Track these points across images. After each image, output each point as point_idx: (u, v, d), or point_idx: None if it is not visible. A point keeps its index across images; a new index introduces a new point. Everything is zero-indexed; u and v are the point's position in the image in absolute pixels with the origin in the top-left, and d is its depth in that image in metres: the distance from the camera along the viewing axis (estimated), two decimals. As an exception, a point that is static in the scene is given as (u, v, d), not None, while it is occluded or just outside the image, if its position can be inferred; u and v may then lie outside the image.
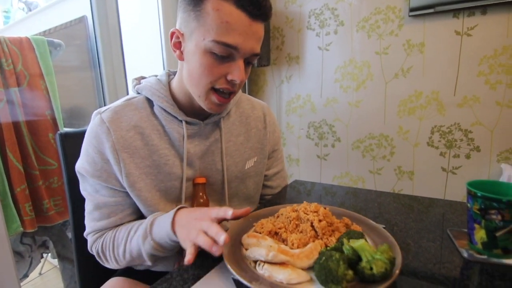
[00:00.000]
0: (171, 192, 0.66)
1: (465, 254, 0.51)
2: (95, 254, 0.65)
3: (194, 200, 0.70)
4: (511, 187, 0.54)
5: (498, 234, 0.49)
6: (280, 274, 0.43)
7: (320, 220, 0.53)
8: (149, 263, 0.60)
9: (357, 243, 0.42)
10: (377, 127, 1.60)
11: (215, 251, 0.47)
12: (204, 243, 0.48)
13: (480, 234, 0.51)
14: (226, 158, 0.72)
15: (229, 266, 0.45)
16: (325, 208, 0.57)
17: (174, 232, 0.54)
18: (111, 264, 0.65)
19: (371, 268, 0.39)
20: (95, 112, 0.64)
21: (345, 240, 0.44)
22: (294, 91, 1.85)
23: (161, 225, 0.56)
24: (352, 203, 0.79)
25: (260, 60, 1.74)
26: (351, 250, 0.43)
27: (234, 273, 0.44)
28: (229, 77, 0.57)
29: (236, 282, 0.45)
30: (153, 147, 0.64)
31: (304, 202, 0.58)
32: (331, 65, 1.71)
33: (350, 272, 0.40)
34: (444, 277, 0.46)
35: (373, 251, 0.41)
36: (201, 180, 0.70)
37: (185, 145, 0.65)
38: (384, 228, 0.56)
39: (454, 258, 0.51)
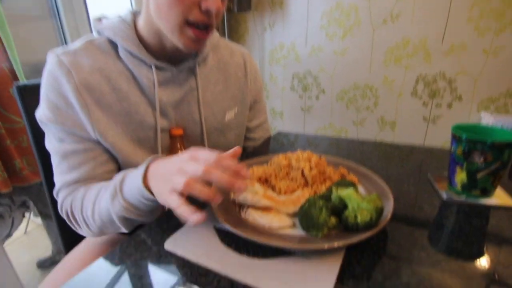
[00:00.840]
0: (146, 143, 0.62)
1: (444, 196, 0.52)
2: (64, 216, 0.57)
3: (171, 153, 0.67)
4: (494, 130, 0.53)
5: (479, 175, 0.49)
6: (262, 218, 0.43)
7: (311, 168, 0.52)
8: (124, 229, 0.51)
9: (344, 192, 0.41)
10: (362, 77, 1.56)
11: (218, 199, 0.38)
12: (201, 191, 0.37)
13: (460, 177, 0.51)
14: (203, 109, 0.67)
15: (214, 211, 0.44)
16: (320, 157, 0.55)
17: (148, 187, 0.43)
18: (83, 230, 0.56)
19: (356, 217, 0.38)
20: (50, 53, 0.56)
21: (334, 189, 0.43)
22: (277, 40, 1.74)
23: (133, 181, 0.46)
24: (335, 153, 0.78)
25: (240, 4, 1.59)
26: (338, 199, 0.42)
27: (218, 218, 0.42)
28: (203, 5, 0.50)
29: (218, 230, 0.44)
30: (122, 93, 0.58)
31: (298, 150, 0.55)
32: (316, 10, 1.59)
33: (333, 220, 0.39)
34: (423, 218, 0.47)
35: (360, 200, 0.39)
36: (178, 131, 0.66)
37: (157, 93, 0.59)
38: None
39: (433, 200, 0.52)
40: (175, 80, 0.63)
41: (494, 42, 1.25)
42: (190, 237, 0.43)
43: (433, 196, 0.53)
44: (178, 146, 0.67)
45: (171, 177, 0.39)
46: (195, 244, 0.41)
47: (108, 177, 0.59)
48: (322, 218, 0.38)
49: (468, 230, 0.43)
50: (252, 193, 0.47)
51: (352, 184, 0.47)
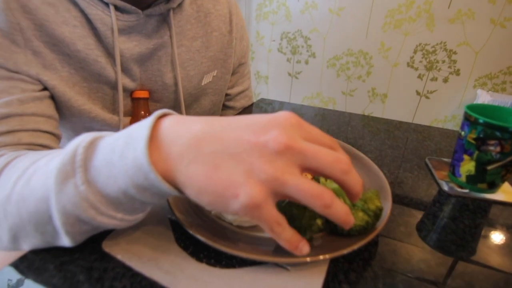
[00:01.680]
0: (101, 101, 0.50)
1: (446, 187, 0.45)
2: None
3: (133, 120, 0.55)
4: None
5: (489, 167, 0.42)
6: (230, 215, 0.34)
7: None
8: (65, 239, 0.27)
9: (334, 184, 0.32)
10: (357, 41, 1.43)
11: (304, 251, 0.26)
12: (342, 209, 0.23)
13: (467, 167, 0.44)
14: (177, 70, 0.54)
15: (169, 203, 0.34)
16: None
17: (162, 169, 0.23)
18: None
19: None
20: None
21: (321, 179, 0.34)
22: (267, -9, 1.54)
23: (120, 151, 0.23)
24: (323, 126, 0.69)
25: None
26: None
27: (172, 209, 0.33)
28: None
29: (174, 225, 0.35)
30: (74, 30, 0.44)
31: None
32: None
33: (319, 222, 0.30)
34: (421, 211, 0.39)
35: None
36: (143, 94, 0.55)
37: (116, 42, 0.46)
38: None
39: (432, 191, 0.45)
40: (141, 29, 0.49)
41: (505, 11, 1.14)
42: (136, 234, 0.34)
43: (432, 186, 0.46)
44: (142, 112, 0.56)
45: (267, 160, 0.21)
46: (143, 244, 0.32)
47: (47, 128, 0.41)
48: (305, 221, 0.30)
49: (477, 230, 0.36)
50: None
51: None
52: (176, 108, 0.58)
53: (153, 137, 0.23)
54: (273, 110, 0.77)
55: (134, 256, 0.31)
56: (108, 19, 0.45)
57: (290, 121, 0.23)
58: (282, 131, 0.22)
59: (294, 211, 0.30)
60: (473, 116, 0.41)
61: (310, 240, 0.31)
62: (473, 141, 0.42)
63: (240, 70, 0.71)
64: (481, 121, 0.40)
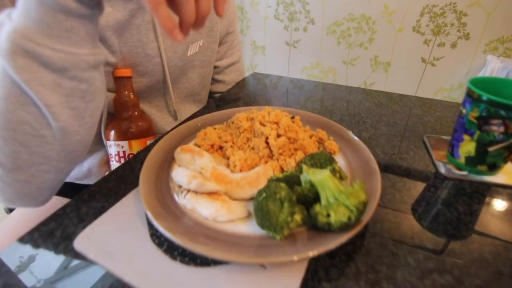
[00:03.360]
0: None
1: (442, 169, 0.42)
2: None
3: (116, 98, 0.52)
4: (522, 87, 0.40)
5: (491, 149, 0.38)
6: (205, 208, 0.32)
7: (278, 135, 0.39)
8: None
9: (317, 176, 0.29)
10: (359, 5, 1.32)
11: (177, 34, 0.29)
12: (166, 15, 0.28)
13: (467, 148, 0.40)
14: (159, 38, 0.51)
15: (141, 194, 0.32)
16: (292, 118, 0.43)
17: None
18: None
19: (329, 215, 0.27)
20: None
21: (305, 167, 0.31)
22: (261, -49, 1.41)
23: None
24: (318, 99, 0.65)
25: None
26: (309, 184, 0.30)
27: (143, 202, 0.31)
28: None
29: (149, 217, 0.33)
30: None
31: (266, 107, 0.42)
32: None
33: (298, 218, 0.28)
34: (415, 196, 0.37)
35: (338, 190, 0.28)
36: (125, 72, 0.51)
37: None
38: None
39: (428, 174, 0.42)
40: None
41: (523, -35, 1.03)
42: (110, 229, 0.32)
43: (429, 168, 0.43)
44: (126, 92, 0.52)
45: None
46: (116, 241, 0.31)
47: None
48: (283, 217, 0.28)
49: (474, 215, 0.34)
50: (195, 170, 0.35)
51: (330, 160, 0.35)
52: (163, 81, 0.56)
53: None
54: (271, 84, 0.73)
55: (106, 255, 0.29)
56: None
57: None
58: None
59: (271, 207, 0.28)
60: (476, 92, 0.37)
61: (290, 233, 0.29)
62: (474, 120, 0.38)
63: (228, 40, 0.67)
64: (484, 98, 0.36)
